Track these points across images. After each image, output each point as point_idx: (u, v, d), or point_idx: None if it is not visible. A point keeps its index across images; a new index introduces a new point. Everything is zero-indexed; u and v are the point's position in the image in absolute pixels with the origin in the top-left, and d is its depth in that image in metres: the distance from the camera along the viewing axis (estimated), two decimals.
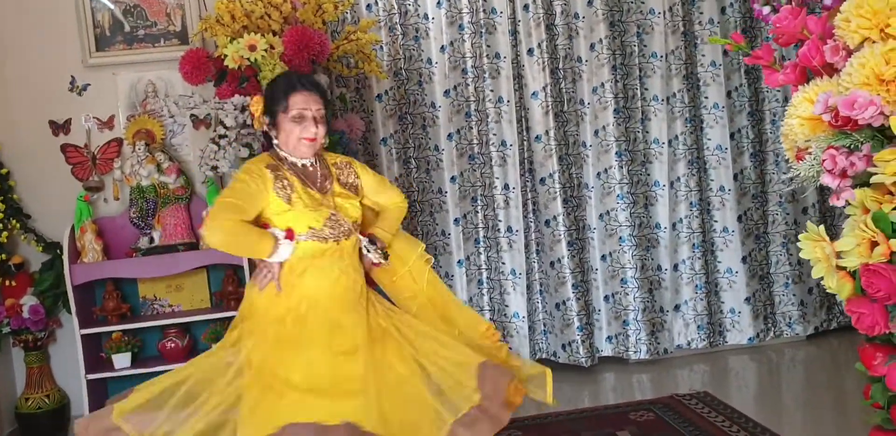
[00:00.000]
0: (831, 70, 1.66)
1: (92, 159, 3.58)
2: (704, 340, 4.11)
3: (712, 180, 4.13)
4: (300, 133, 2.28)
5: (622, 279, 4.03)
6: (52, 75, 3.60)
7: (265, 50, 3.18)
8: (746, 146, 4.16)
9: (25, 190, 3.61)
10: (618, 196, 4.00)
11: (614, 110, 3.96)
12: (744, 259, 4.14)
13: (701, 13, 4.04)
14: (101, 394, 3.54)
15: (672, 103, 4.05)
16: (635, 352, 4.02)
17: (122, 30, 3.63)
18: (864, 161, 1.54)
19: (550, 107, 3.91)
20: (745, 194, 4.17)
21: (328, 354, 2.23)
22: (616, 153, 3.98)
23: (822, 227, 1.59)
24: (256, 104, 2.40)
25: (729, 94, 4.12)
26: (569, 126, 3.99)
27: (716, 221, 4.15)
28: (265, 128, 2.39)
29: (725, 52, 4.08)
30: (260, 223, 2.28)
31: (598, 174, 4.02)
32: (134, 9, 3.62)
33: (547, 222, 3.99)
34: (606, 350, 4.06)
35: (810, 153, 1.63)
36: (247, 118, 3.28)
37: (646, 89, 4.03)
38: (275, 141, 2.36)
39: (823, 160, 1.55)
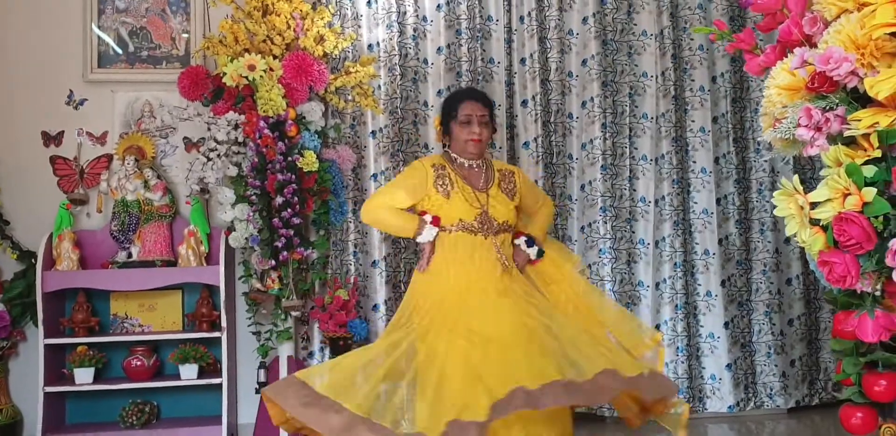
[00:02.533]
0: (810, 44, 1.72)
1: (80, 173, 3.60)
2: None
3: (697, 243, 4.13)
4: (466, 135, 2.67)
5: None
6: (52, 87, 3.68)
7: (264, 71, 3.28)
8: (732, 212, 4.19)
9: (9, 197, 3.60)
10: (600, 250, 3.99)
11: (601, 166, 4.02)
12: (726, 325, 4.07)
13: (692, 80, 4.18)
14: (57, 411, 3.41)
15: (660, 164, 4.12)
16: (611, 410, 3.86)
17: (127, 49, 3.74)
18: (838, 121, 1.58)
19: (540, 157, 3.98)
20: (729, 260, 4.16)
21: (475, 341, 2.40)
22: (601, 208, 4.01)
23: (796, 178, 1.60)
24: (437, 121, 2.84)
25: (717, 160, 4.19)
26: (556, 178, 4.04)
27: (699, 285, 4.11)
28: (443, 140, 2.81)
29: (715, 119, 4.19)
30: (418, 212, 2.67)
31: (583, 228, 4.03)
32: (140, 30, 3.75)
33: None
34: (581, 408, 3.90)
35: (787, 117, 1.66)
36: (238, 136, 3.33)
37: (635, 148, 4.10)
38: (446, 148, 2.78)
39: (800, 116, 1.58)
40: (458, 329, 2.44)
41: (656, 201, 4.08)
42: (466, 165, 2.72)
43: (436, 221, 2.62)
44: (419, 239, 2.62)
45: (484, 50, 4.00)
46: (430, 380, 2.31)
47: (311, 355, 3.74)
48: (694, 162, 4.15)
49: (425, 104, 3.96)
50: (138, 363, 3.37)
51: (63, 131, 3.66)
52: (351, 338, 3.57)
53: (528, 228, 2.80)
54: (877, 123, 1.49)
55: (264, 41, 3.39)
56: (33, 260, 3.42)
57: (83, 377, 3.31)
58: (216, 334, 3.43)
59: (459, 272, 2.59)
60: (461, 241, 2.61)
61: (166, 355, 3.49)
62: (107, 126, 3.70)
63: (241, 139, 3.36)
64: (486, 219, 2.63)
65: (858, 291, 1.59)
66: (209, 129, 3.33)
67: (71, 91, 3.69)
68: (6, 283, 3.49)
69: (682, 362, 3.99)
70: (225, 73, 3.27)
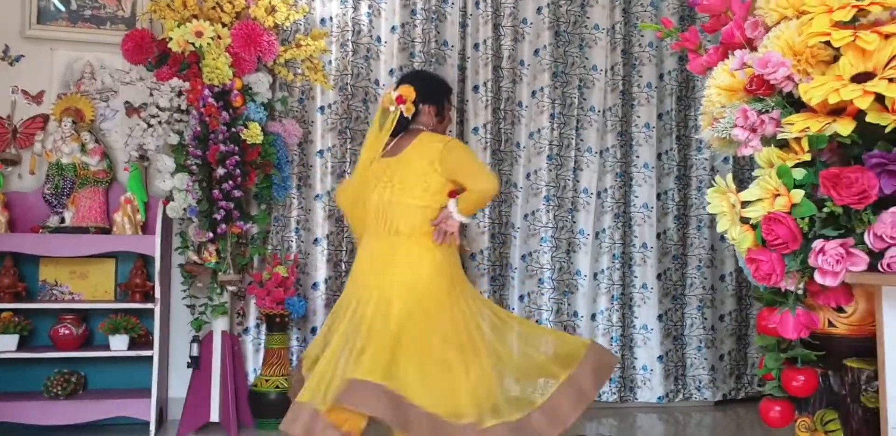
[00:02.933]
0: (751, 48, 1.75)
1: (12, 132, 3.47)
2: (615, 394, 4.06)
3: (636, 236, 4.21)
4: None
5: (537, 321, 3.99)
6: None
7: (212, 38, 3.20)
8: (671, 208, 4.27)
9: None
10: (542, 239, 4.03)
11: (548, 156, 4.06)
12: (660, 317, 4.17)
13: (640, 76, 4.23)
14: None
15: (605, 157, 4.17)
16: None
17: (69, 6, 3.59)
18: (772, 124, 1.61)
19: (489, 144, 3.99)
20: (666, 254, 4.25)
21: None
22: (545, 197, 4.05)
23: (729, 176, 1.63)
24: (412, 94, 2.72)
25: (659, 156, 4.26)
26: (503, 165, 4.06)
27: (636, 277, 4.19)
28: (433, 120, 2.79)
29: (660, 116, 4.26)
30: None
31: (526, 215, 4.07)
32: None
33: (472, 256, 3.97)
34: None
35: (725, 117, 1.69)
36: (182, 103, 3.26)
37: (581, 140, 4.15)
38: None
39: (737, 117, 1.61)
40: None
41: (599, 193, 4.14)
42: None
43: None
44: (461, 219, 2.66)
45: (438, 32, 3.98)
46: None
47: (246, 330, 3.70)
48: (637, 157, 4.22)
49: (376, 82, 3.92)
50: (66, 332, 3.28)
51: None
52: (288, 315, 3.54)
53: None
54: (808, 127, 1.52)
55: (213, 8, 3.31)
56: None
57: (6, 344, 3.21)
58: (149, 306, 3.36)
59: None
60: None
61: (96, 324, 3.41)
62: (44, 85, 3.56)
63: (184, 107, 3.28)
64: None
65: (783, 290, 1.64)
66: (151, 94, 3.25)
67: (7, 46, 3.54)
68: None
69: (616, 352, 4.07)
70: (171, 39, 3.19)
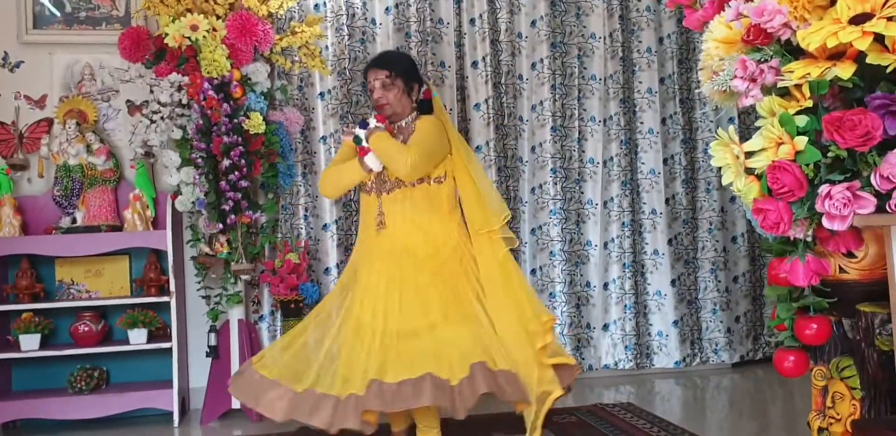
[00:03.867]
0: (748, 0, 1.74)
1: (19, 137, 3.50)
2: (631, 361, 4.09)
3: (644, 203, 4.20)
4: (374, 102, 2.77)
5: (551, 293, 4.01)
6: None
7: (207, 31, 3.20)
8: (679, 172, 4.26)
9: None
10: (551, 212, 4.04)
11: (551, 128, 4.05)
12: (673, 282, 4.17)
13: (640, 42, 4.21)
14: (3, 378, 3.36)
15: (608, 125, 4.16)
16: None
17: (64, 10, 3.61)
18: (772, 73, 1.61)
19: (492, 119, 3.98)
20: (675, 219, 4.24)
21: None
22: (551, 169, 4.04)
23: (731, 128, 1.64)
24: None
25: (664, 120, 4.24)
26: (508, 139, 4.06)
27: (647, 244, 4.19)
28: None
29: (662, 81, 4.23)
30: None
31: (533, 189, 4.07)
32: None
33: None
34: None
35: (724, 69, 1.68)
36: (182, 97, 3.27)
37: (584, 110, 4.14)
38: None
39: (735, 68, 1.61)
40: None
41: (604, 162, 4.13)
42: (395, 127, 2.80)
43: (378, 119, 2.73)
44: (371, 169, 2.70)
45: (433, 10, 3.96)
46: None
47: (262, 318, 3.73)
48: (641, 123, 4.20)
49: None
50: (86, 329, 3.34)
51: None
52: (302, 301, 3.57)
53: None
54: (808, 73, 1.52)
55: (207, 1, 3.30)
56: None
57: (29, 344, 3.26)
58: (165, 299, 3.40)
59: (361, 235, 2.81)
60: (362, 203, 2.80)
61: (114, 320, 3.45)
62: (45, 89, 3.59)
63: (185, 101, 3.29)
64: (381, 178, 2.72)
65: (791, 239, 1.64)
66: (152, 91, 3.26)
67: (6, 53, 3.56)
68: None
69: (630, 320, 4.09)
70: (167, 34, 3.19)
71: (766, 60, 1.61)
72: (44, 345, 3.32)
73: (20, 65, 3.57)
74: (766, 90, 1.63)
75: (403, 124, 2.79)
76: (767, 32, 1.59)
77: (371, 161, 2.67)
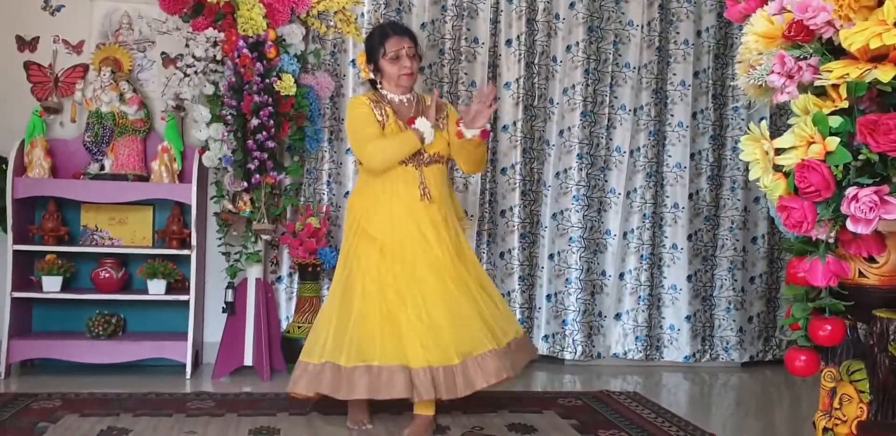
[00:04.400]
0: None
1: (54, 81, 3.54)
2: (641, 352, 4.09)
3: (667, 196, 4.18)
4: (399, 70, 2.72)
5: (567, 279, 4.02)
6: None
7: None
8: (705, 168, 4.22)
9: None
10: (573, 197, 4.03)
11: (581, 113, 4.02)
12: (689, 278, 4.16)
13: (678, 33, 4.16)
14: (23, 317, 3.44)
15: (638, 115, 4.13)
16: (571, 352, 3.98)
17: None
18: (810, 71, 1.59)
19: (521, 99, 3.96)
20: (697, 215, 4.22)
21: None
22: (577, 155, 4.03)
23: (763, 123, 1.62)
24: (361, 58, 2.80)
25: (694, 115, 4.20)
26: (536, 121, 4.04)
27: (666, 237, 4.18)
28: (371, 75, 2.80)
29: (696, 74, 4.19)
30: None
31: (557, 174, 4.06)
32: None
33: (503, 213, 3.99)
34: (542, 349, 4.02)
35: (762, 64, 1.67)
36: (217, 53, 3.28)
37: (615, 97, 4.10)
38: (378, 85, 2.81)
39: (773, 64, 1.59)
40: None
41: (631, 152, 4.11)
42: (397, 100, 2.80)
43: (411, 121, 2.72)
44: (427, 141, 2.70)
45: None
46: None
47: (279, 279, 3.78)
48: (672, 115, 4.17)
49: None
50: (106, 275, 3.40)
51: (38, 37, 3.58)
52: (320, 265, 3.61)
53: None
54: (847, 74, 1.50)
55: None
56: (4, 166, 3.38)
57: (51, 285, 3.33)
58: (185, 252, 3.45)
59: (392, 201, 2.72)
60: (392, 171, 2.72)
61: (135, 269, 3.52)
62: (83, 35, 3.62)
63: (219, 57, 3.31)
64: (419, 150, 2.72)
65: (814, 239, 1.63)
66: (187, 45, 3.28)
67: None
68: None
69: (643, 311, 4.09)
70: None
71: (805, 58, 1.59)
72: (65, 288, 3.39)
73: (61, 9, 3.60)
74: (803, 88, 1.61)
75: (414, 99, 2.84)
76: (810, 29, 1.57)
77: (429, 133, 2.68)
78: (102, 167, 3.48)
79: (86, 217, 3.55)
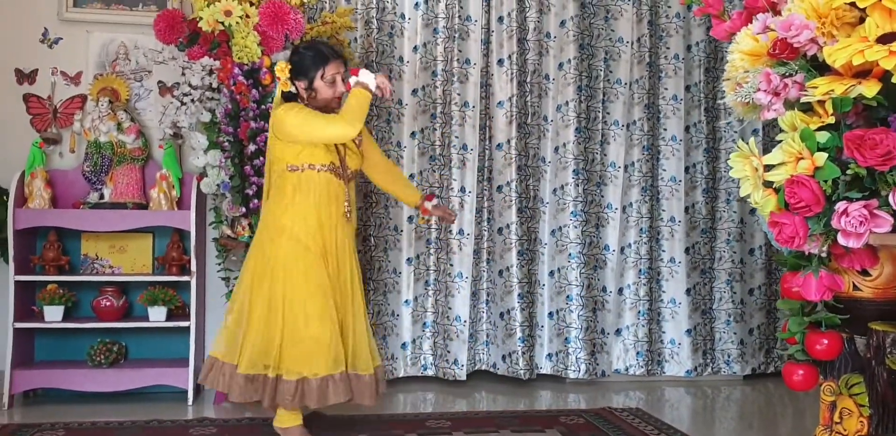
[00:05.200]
0: (774, 12, 1.76)
1: (53, 112, 3.59)
2: (643, 367, 4.09)
3: (664, 210, 4.20)
4: (333, 94, 2.82)
5: (568, 296, 4.02)
6: (26, 24, 3.63)
7: (240, 17, 3.25)
8: (700, 181, 4.25)
9: None
10: (571, 213, 4.04)
11: (576, 129, 4.05)
12: (688, 291, 4.16)
13: (668, 48, 4.20)
14: (26, 347, 3.45)
15: (631, 130, 4.16)
16: (574, 371, 3.97)
17: None
18: (796, 87, 1.62)
19: (514, 117, 4.00)
20: (694, 228, 4.24)
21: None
22: (574, 171, 4.05)
23: (752, 140, 1.65)
24: (283, 69, 2.81)
25: (687, 128, 4.23)
26: (530, 139, 4.08)
27: (663, 251, 4.19)
28: (295, 90, 2.84)
29: (688, 88, 4.23)
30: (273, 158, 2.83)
31: (555, 190, 4.08)
32: None
33: (500, 230, 4.01)
34: (546, 368, 4.02)
35: (748, 82, 1.70)
36: (213, 81, 3.32)
37: (608, 113, 4.14)
38: (299, 100, 2.85)
39: (759, 81, 1.62)
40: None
41: (626, 167, 4.13)
42: None
43: (354, 71, 2.81)
44: (373, 86, 2.78)
45: (461, 7, 3.97)
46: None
47: None
48: (665, 129, 4.20)
49: (401, 59, 3.95)
50: (107, 303, 3.41)
51: (37, 69, 3.64)
52: None
53: (405, 191, 3.18)
54: (832, 90, 1.53)
55: None
56: (5, 197, 3.42)
57: (53, 315, 3.35)
58: (185, 278, 3.46)
59: (321, 212, 2.79)
60: (325, 181, 2.80)
61: (135, 296, 3.53)
62: (81, 66, 3.67)
63: (215, 85, 3.34)
64: (343, 166, 2.84)
65: (806, 253, 1.65)
66: (184, 73, 3.32)
67: (46, 29, 3.65)
68: None
69: (643, 326, 4.10)
70: (201, 18, 3.23)
71: (790, 75, 1.62)
72: (66, 317, 3.41)
73: (59, 41, 3.65)
74: (789, 104, 1.64)
75: None
76: (794, 47, 1.60)
77: (369, 78, 2.77)
78: (102, 196, 3.51)
79: (86, 246, 3.58)
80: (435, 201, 3.15)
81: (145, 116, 3.70)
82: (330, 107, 2.83)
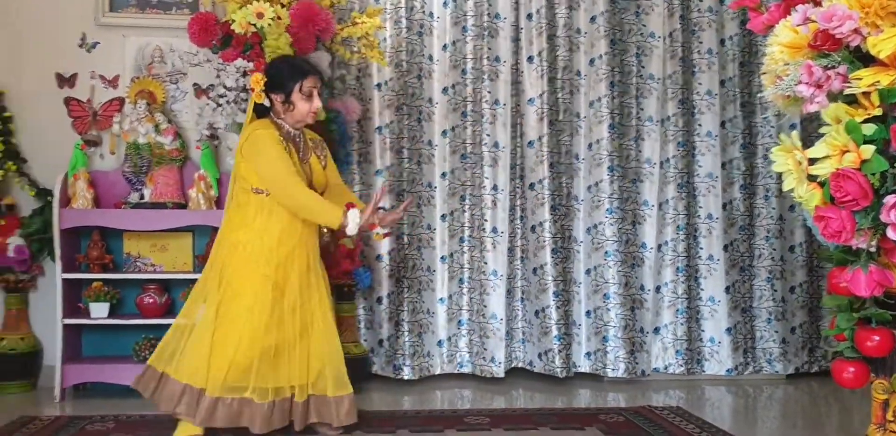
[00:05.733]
0: (815, 3, 1.71)
1: (93, 115, 3.67)
2: (682, 366, 4.04)
3: (700, 207, 4.14)
4: (310, 108, 2.76)
5: (605, 295, 3.99)
6: (65, 30, 3.71)
7: (272, 19, 3.26)
8: (737, 178, 4.18)
9: (25, 137, 3.69)
10: (607, 210, 4.00)
11: (609, 126, 4.01)
12: (727, 289, 4.10)
13: (700, 42, 4.14)
14: (74, 342, 3.54)
15: (666, 126, 4.11)
16: (613, 370, 3.94)
17: None
18: (839, 79, 1.59)
19: (545, 114, 3.97)
20: (732, 225, 4.18)
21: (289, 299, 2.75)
22: (608, 168, 4.01)
23: (795, 133, 1.62)
24: (257, 80, 2.74)
25: (723, 124, 4.17)
26: (562, 136, 4.05)
27: (701, 248, 4.13)
28: (269, 102, 2.78)
29: (722, 83, 4.17)
30: (237, 176, 2.75)
31: (589, 187, 4.05)
32: None
33: (533, 228, 3.99)
34: (585, 366, 4.00)
35: (788, 74, 1.66)
36: (247, 82, 3.35)
37: (641, 109, 4.10)
38: (272, 113, 2.79)
39: (801, 74, 1.59)
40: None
41: (661, 163, 4.09)
42: (292, 134, 2.81)
43: (350, 206, 2.68)
44: (348, 233, 2.66)
45: (490, 4, 3.96)
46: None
47: None
48: (700, 125, 4.14)
49: (430, 58, 3.95)
50: (150, 300, 3.49)
51: (76, 74, 3.71)
52: (355, 285, 3.64)
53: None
54: (878, 81, 1.50)
55: None
56: (49, 198, 3.52)
57: (98, 311, 3.43)
58: None
59: (283, 233, 2.73)
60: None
61: (177, 293, 3.58)
62: (118, 70, 3.73)
63: (249, 86, 3.36)
64: (311, 187, 2.74)
65: (854, 248, 1.62)
66: (218, 75, 3.36)
67: (84, 34, 3.72)
68: (24, 219, 3.61)
69: (682, 324, 4.05)
70: (234, 21, 3.26)
71: (833, 66, 1.58)
72: (112, 314, 3.49)
73: (96, 46, 3.72)
74: (832, 97, 1.60)
75: (301, 133, 2.86)
76: (836, 38, 1.56)
77: (353, 220, 2.63)
78: (142, 196, 3.57)
79: (128, 245, 3.65)
80: (357, 214, 2.68)
81: (182, 118, 3.75)
82: (304, 121, 2.80)
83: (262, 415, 2.64)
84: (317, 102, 2.76)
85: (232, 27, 3.28)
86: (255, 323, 2.66)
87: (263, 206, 2.73)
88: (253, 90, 2.77)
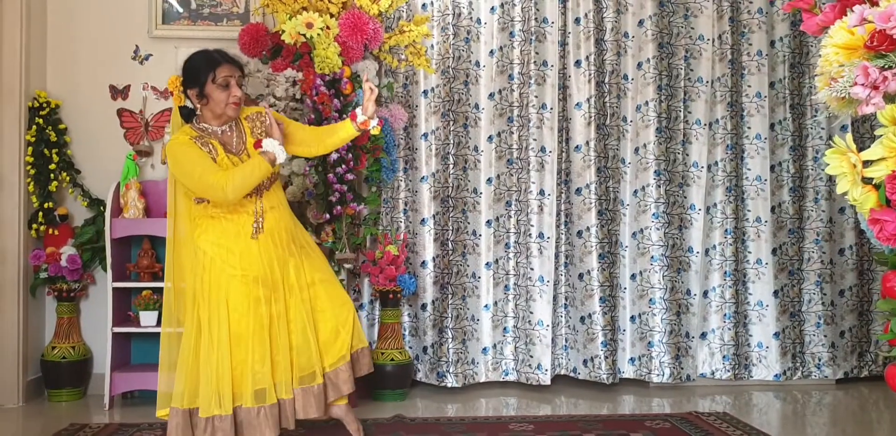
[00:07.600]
0: (871, 4, 1.69)
1: (145, 126, 3.75)
2: (729, 371, 4.00)
3: (749, 210, 4.09)
4: (228, 98, 2.64)
5: (650, 300, 3.96)
6: (118, 43, 3.82)
7: (321, 29, 3.33)
8: (786, 180, 4.13)
9: (79, 148, 3.79)
10: (653, 215, 3.98)
11: (656, 130, 3.99)
12: (775, 293, 4.05)
13: (750, 44, 4.10)
14: (123, 350, 3.61)
15: (714, 129, 4.08)
16: (658, 375, 3.91)
17: (189, 6, 3.85)
18: None
19: (593, 118, 3.97)
20: (781, 228, 4.12)
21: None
22: (655, 172, 3.99)
23: (849, 136, 1.60)
24: (174, 82, 2.70)
25: (772, 126, 4.13)
26: (609, 140, 4.03)
27: (749, 252, 4.09)
28: (191, 101, 2.70)
29: (772, 85, 4.12)
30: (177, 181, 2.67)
31: (636, 191, 4.03)
32: None
33: (579, 233, 3.98)
34: (629, 372, 3.97)
35: (843, 76, 1.64)
36: (296, 92, 3.41)
37: (689, 112, 4.07)
38: (195, 118, 2.72)
39: (857, 75, 1.57)
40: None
41: (709, 167, 4.05)
42: (220, 132, 2.70)
43: (258, 143, 2.64)
44: (279, 161, 2.61)
45: (537, 9, 3.96)
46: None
47: (361, 306, 3.85)
48: (749, 128, 4.10)
49: (477, 64, 3.97)
50: None
51: (129, 85, 3.81)
52: (400, 291, 3.67)
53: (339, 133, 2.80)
54: None
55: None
56: (102, 208, 3.61)
57: (147, 320, 3.49)
58: None
59: (240, 234, 2.65)
60: (235, 204, 2.64)
61: None
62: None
63: (298, 96, 3.43)
64: (259, 184, 2.64)
65: None
66: (268, 85, 3.42)
67: (137, 47, 3.82)
68: (77, 229, 3.70)
69: (729, 329, 4.01)
70: (283, 31, 3.34)
71: (890, 67, 1.56)
72: (160, 322, 3.51)
73: (149, 57, 3.82)
74: (889, 98, 1.58)
75: (234, 127, 2.74)
76: (894, 38, 1.54)
77: (279, 151, 2.58)
78: None
79: None
80: (269, 141, 2.65)
81: None
82: (226, 114, 2.66)
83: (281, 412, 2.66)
84: (235, 91, 2.64)
85: (282, 37, 3.35)
86: (241, 332, 2.63)
87: (207, 212, 2.66)
88: (172, 94, 2.80)
